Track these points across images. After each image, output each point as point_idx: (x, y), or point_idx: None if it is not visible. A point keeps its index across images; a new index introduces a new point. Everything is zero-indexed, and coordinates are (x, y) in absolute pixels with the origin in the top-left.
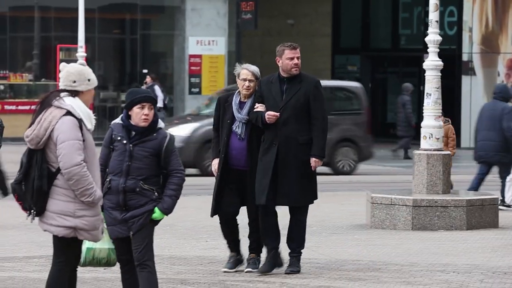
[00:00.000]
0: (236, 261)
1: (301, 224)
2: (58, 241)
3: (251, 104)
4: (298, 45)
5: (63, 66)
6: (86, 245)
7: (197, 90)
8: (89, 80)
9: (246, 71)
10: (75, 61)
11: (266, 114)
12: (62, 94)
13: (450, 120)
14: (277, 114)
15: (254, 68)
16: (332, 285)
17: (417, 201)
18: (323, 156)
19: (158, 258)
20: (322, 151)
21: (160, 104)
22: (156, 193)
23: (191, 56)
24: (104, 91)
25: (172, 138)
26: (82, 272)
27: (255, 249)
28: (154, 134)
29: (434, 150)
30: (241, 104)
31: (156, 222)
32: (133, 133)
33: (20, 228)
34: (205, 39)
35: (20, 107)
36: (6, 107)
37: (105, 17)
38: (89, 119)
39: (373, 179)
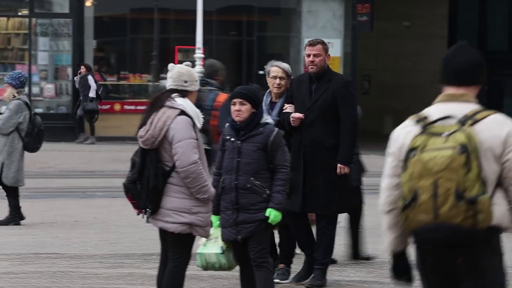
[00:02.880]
0: (285, 272)
1: (328, 233)
2: (174, 238)
3: (281, 104)
4: (320, 41)
5: (172, 67)
6: (198, 250)
7: None
8: (196, 80)
9: (276, 68)
10: (193, 62)
11: (290, 116)
12: (173, 95)
13: None
14: (301, 116)
15: (285, 65)
16: None
17: None
18: (349, 162)
19: None
20: (347, 156)
21: (92, 94)
22: (267, 191)
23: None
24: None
25: (279, 132)
26: (199, 270)
27: (285, 259)
28: (261, 129)
29: None
30: (272, 105)
31: (273, 224)
32: (241, 131)
33: (138, 226)
34: None
35: (139, 107)
36: (126, 107)
37: (223, 19)
38: (198, 118)
39: None
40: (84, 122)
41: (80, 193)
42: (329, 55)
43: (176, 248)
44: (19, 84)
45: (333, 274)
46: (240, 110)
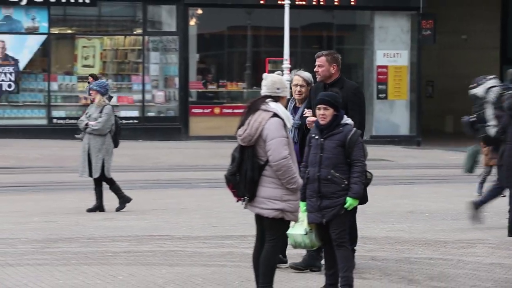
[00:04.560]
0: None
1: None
2: (269, 222)
3: (303, 109)
4: (325, 53)
5: (266, 76)
6: (288, 231)
7: (383, 95)
8: (286, 87)
9: (297, 77)
10: (282, 71)
11: (306, 120)
12: (267, 100)
13: None
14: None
15: (306, 74)
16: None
17: None
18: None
19: None
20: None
21: None
22: (345, 182)
23: (378, 66)
24: None
25: (356, 132)
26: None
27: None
28: (341, 128)
29: None
30: (295, 109)
31: (354, 209)
32: (324, 130)
33: (236, 212)
34: (390, 52)
35: (235, 110)
36: (224, 110)
37: (306, 34)
38: (288, 120)
39: None
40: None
41: (186, 184)
42: (335, 65)
43: (271, 231)
44: (105, 91)
45: (403, 252)
46: (324, 114)
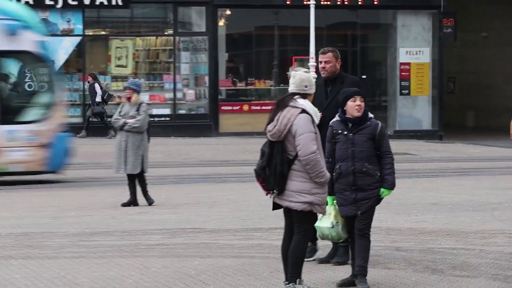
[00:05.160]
0: (312, 250)
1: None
2: (298, 215)
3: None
4: (330, 50)
5: (294, 74)
6: (315, 224)
7: (406, 91)
8: (313, 85)
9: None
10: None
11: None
12: (295, 97)
13: None
14: (320, 114)
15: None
16: None
17: None
18: None
19: (377, 229)
20: None
21: (98, 99)
22: (378, 173)
23: (401, 64)
24: None
25: (383, 125)
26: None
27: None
28: (368, 122)
29: None
30: None
31: (379, 200)
32: (350, 124)
33: (265, 205)
34: (413, 49)
35: (263, 107)
36: (253, 107)
37: (331, 33)
38: (316, 116)
39: None
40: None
41: (216, 179)
42: (340, 60)
43: (300, 223)
44: (140, 89)
45: (427, 242)
46: (360, 105)
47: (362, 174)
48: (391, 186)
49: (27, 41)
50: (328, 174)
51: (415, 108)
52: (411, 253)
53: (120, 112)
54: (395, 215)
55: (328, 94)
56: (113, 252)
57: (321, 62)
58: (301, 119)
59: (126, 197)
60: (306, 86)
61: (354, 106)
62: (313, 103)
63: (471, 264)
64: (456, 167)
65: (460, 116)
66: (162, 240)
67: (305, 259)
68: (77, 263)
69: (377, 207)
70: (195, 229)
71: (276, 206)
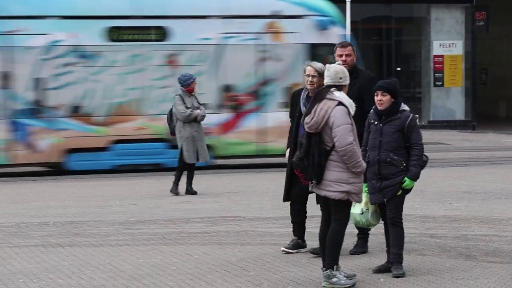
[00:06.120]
0: (296, 244)
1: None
2: (335, 203)
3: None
4: (350, 43)
5: (328, 67)
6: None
7: (440, 83)
8: (347, 77)
9: (309, 67)
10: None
11: None
12: (331, 89)
13: None
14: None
15: (318, 65)
16: None
17: None
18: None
19: (411, 217)
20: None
21: None
22: (404, 164)
23: (435, 56)
24: None
25: (414, 117)
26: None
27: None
28: (399, 115)
29: None
30: (308, 99)
31: (408, 190)
32: (383, 116)
33: None
34: (446, 42)
35: None
36: None
37: (367, 27)
38: (351, 107)
39: None
40: None
41: (256, 169)
42: (356, 54)
43: (337, 212)
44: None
45: (460, 229)
46: (381, 100)
47: (387, 164)
48: (414, 177)
49: (334, 35)
50: (364, 164)
51: (449, 99)
52: (445, 240)
53: (185, 105)
54: (429, 203)
55: None
56: (156, 240)
57: (341, 55)
58: (338, 111)
59: (168, 186)
60: (341, 78)
61: (376, 101)
62: None
63: (504, 251)
64: (489, 156)
65: (492, 106)
66: (204, 228)
67: (289, 251)
68: (122, 251)
69: (411, 195)
70: (236, 217)
71: (319, 199)
